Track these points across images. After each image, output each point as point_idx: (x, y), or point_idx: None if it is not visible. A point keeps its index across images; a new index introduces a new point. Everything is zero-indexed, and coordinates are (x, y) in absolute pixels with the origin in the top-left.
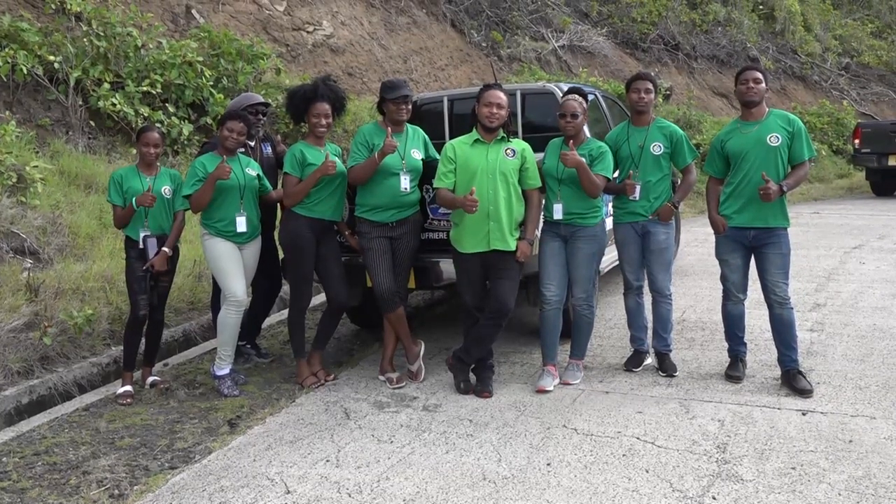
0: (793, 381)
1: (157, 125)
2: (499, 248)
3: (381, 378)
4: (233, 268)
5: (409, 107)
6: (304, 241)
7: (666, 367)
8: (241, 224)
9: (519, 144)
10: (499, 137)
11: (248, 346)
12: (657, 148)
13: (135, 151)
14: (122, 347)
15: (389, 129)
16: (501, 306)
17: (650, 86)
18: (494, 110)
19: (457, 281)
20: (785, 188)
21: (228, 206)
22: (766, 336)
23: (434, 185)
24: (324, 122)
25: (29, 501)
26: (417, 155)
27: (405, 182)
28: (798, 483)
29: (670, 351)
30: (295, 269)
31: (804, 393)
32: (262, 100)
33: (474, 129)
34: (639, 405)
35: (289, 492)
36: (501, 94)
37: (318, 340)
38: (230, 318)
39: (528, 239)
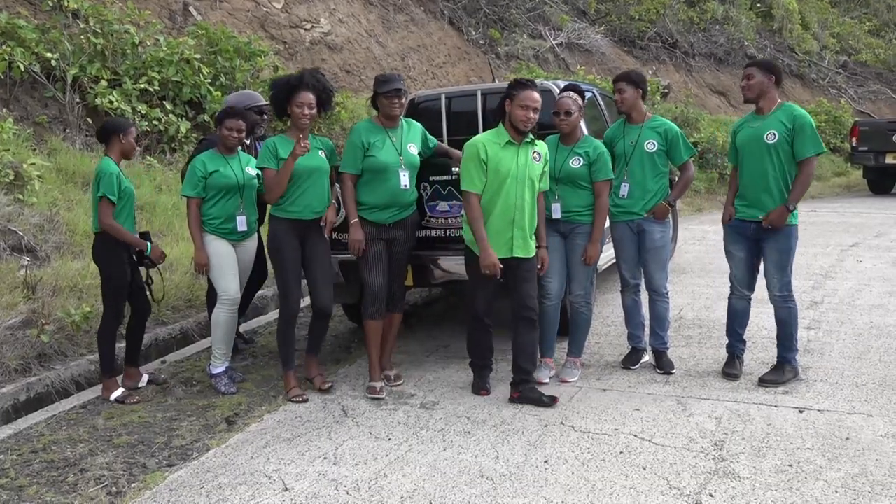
0: (773, 371)
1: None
2: (520, 256)
3: (375, 385)
4: (227, 266)
5: (403, 101)
6: (282, 244)
7: (663, 364)
8: (242, 223)
9: (542, 147)
10: (528, 140)
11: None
12: (650, 145)
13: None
14: (120, 345)
15: (301, 136)
16: (531, 309)
17: (624, 85)
18: (531, 114)
19: (470, 285)
20: (790, 207)
21: (226, 205)
22: (763, 334)
23: (462, 188)
24: (307, 111)
25: (27, 499)
26: (414, 150)
27: (404, 179)
28: (795, 480)
29: (667, 348)
30: (278, 274)
31: (767, 383)
32: (264, 101)
33: (502, 128)
34: (636, 403)
35: (286, 489)
36: (538, 96)
37: (310, 346)
38: (223, 316)
39: (545, 247)
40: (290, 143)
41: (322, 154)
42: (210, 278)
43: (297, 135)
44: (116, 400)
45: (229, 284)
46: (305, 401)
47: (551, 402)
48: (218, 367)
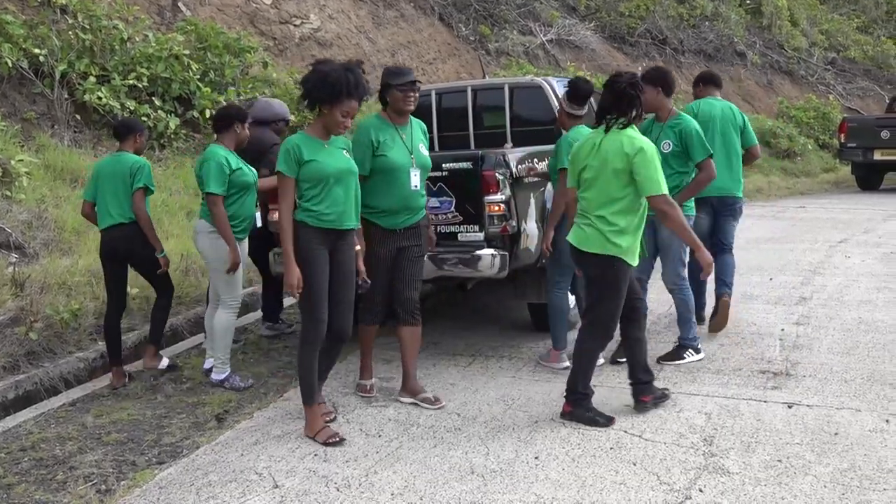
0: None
1: (144, 119)
2: None
3: (365, 384)
4: (242, 270)
5: (417, 95)
6: (313, 256)
7: (668, 355)
8: (259, 220)
9: None
10: None
11: (280, 322)
12: (666, 146)
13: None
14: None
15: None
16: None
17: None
18: None
19: (620, 299)
20: None
21: (246, 203)
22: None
23: (664, 192)
24: (349, 123)
25: (15, 497)
26: (424, 150)
27: (415, 179)
28: (784, 475)
29: (686, 343)
30: (306, 290)
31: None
32: (289, 116)
33: (633, 125)
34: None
35: (277, 486)
36: None
37: (319, 372)
38: (232, 321)
39: None
40: (316, 143)
41: (346, 154)
42: (214, 279)
43: (324, 135)
44: (169, 367)
45: (240, 289)
46: (343, 440)
47: (608, 422)
48: (224, 373)
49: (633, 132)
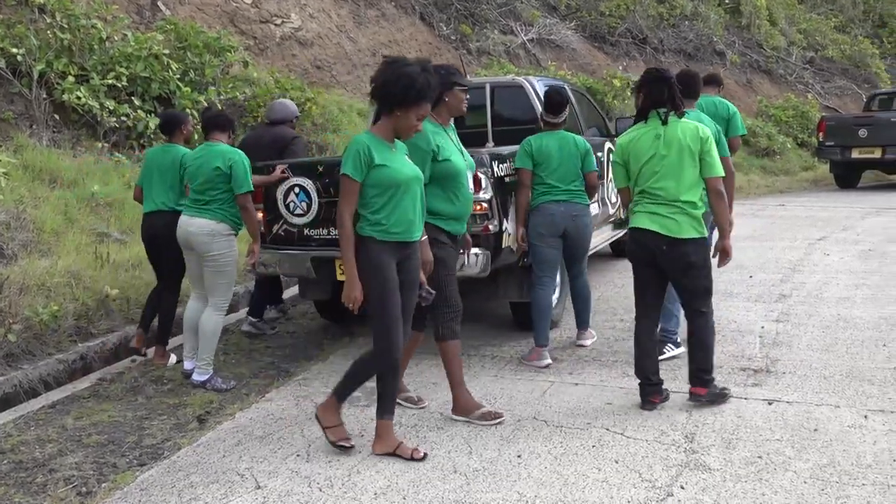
0: None
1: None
2: None
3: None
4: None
5: None
6: (389, 274)
7: None
8: None
9: None
10: None
11: (263, 322)
12: None
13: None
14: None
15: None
16: None
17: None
18: None
19: (709, 282)
20: None
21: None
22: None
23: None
24: (421, 126)
25: None
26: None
27: (470, 181)
28: (764, 471)
29: (666, 337)
30: (381, 312)
31: None
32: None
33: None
34: (608, 396)
35: (259, 487)
36: None
37: (382, 401)
38: (221, 322)
39: None
40: (385, 146)
41: (409, 160)
42: (213, 280)
43: (391, 139)
44: (178, 362)
45: (232, 290)
46: (352, 446)
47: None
48: (206, 374)
49: (689, 120)
